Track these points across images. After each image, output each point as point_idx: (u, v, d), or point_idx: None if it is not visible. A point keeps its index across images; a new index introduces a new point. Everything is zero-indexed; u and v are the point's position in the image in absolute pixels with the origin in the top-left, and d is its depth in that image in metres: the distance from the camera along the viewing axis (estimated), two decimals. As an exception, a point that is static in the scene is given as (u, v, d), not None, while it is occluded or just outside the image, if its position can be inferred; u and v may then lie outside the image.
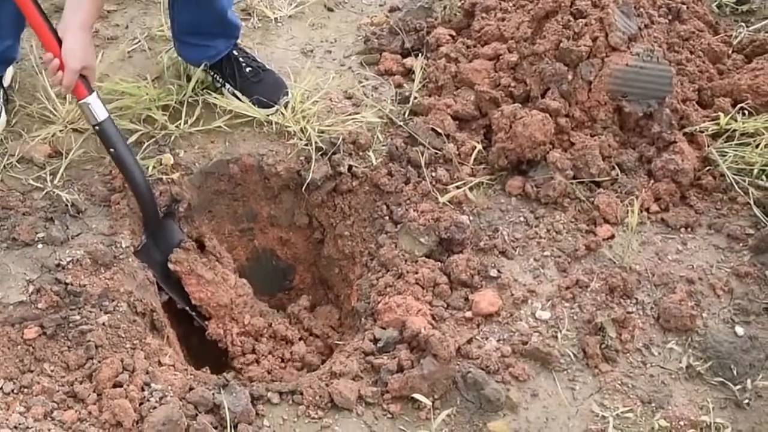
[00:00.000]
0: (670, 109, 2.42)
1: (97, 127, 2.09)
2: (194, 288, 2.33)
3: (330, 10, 3.10)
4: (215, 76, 2.58)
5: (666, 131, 2.38)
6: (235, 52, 2.57)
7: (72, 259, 2.07)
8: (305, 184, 2.40)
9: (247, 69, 2.55)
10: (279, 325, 2.37)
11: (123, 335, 1.96)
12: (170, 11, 2.48)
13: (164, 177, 2.34)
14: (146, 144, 2.40)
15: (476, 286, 2.11)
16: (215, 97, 2.54)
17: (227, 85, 2.56)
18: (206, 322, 2.36)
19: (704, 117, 2.50)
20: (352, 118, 2.51)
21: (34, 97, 2.51)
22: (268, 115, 2.50)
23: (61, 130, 2.40)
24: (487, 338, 1.99)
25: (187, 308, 2.35)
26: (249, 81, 2.54)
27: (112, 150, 2.12)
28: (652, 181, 2.35)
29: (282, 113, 2.50)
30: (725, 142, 2.42)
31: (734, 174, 2.34)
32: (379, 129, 2.51)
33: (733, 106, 2.50)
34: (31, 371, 1.87)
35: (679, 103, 2.47)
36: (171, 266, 2.31)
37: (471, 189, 2.34)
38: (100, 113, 2.08)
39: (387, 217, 2.33)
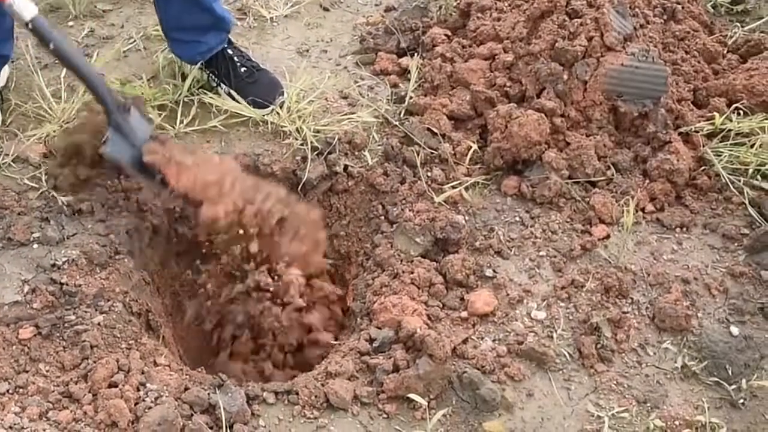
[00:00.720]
0: (666, 109, 2.42)
1: (29, 25, 1.98)
2: (176, 177, 2.11)
3: (326, 9, 3.10)
4: (211, 75, 2.58)
5: (661, 131, 2.39)
6: (230, 51, 2.57)
7: (67, 259, 2.06)
8: (301, 184, 2.40)
9: (242, 69, 2.55)
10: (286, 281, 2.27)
11: (118, 335, 1.95)
12: (156, 8, 2.47)
13: None
14: (141, 144, 2.39)
15: (472, 286, 2.11)
16: (211, 97, 2.54)
17: (222, 85, 2.56)
18: (198, 210, 2.16)
19: (699, 117, 2.50)
20: (348, 118, 2.51)
21: (30, 97, 2.51)
22: (263, 115, 2.50)
23: (56, 130, 2.39)
24: (482, 338, 1.99)
25: (168, 192, 2.15)
26: (244, 81, 2.54)
27: (51, 44, 2.01)
28: (647, 181, 2.36)
29: (278, 113, 2.50)
30: (720, 142, 2.42)
31: (729, 174, 2.35)
32: (375, 129, 2.51)
33: (728, 106, 2.51)
34: (26, 371, 1.86)
35: (675, 103, 2.48)
36: (146, 158, 2.10)
37: (466, 189, 2.34)
38: (28, 11, 1.96)
39: (383, 217, 2.33)
